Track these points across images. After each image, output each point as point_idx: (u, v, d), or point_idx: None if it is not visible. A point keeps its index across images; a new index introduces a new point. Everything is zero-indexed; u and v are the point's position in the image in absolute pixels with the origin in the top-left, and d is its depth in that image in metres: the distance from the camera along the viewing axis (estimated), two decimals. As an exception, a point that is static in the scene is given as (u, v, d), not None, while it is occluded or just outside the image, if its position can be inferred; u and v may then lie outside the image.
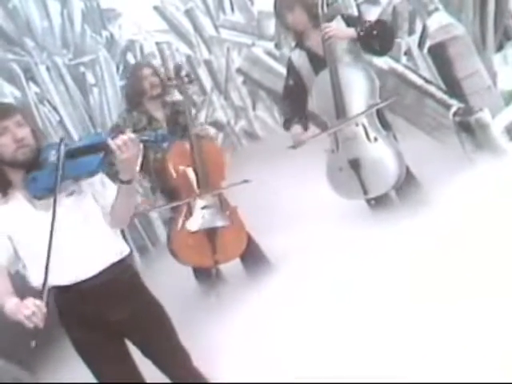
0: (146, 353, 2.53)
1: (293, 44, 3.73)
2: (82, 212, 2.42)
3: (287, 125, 3.70)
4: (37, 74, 4.77)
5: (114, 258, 2.45)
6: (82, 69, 4.95)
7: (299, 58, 3.60)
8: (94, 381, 2.54)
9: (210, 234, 3.49)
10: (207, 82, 5.31)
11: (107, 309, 2.43)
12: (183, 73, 3.60)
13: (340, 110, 3.42)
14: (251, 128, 5.37)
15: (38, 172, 2.37)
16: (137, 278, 2.56)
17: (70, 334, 2.48)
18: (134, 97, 3.75)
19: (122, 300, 2.45)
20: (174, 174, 3.55)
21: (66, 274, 2.38)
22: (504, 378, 2.25)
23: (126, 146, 2.25)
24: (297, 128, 3.62)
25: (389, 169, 3.44)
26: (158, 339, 2.51)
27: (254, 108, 5.38)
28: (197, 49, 5.30)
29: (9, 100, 4.51)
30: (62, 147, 2.35)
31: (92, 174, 2.40)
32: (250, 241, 3.66)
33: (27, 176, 2.38)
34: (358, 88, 3.44)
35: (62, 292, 2.42)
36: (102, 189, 2.49)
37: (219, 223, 3.49)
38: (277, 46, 5.23)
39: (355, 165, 3.44)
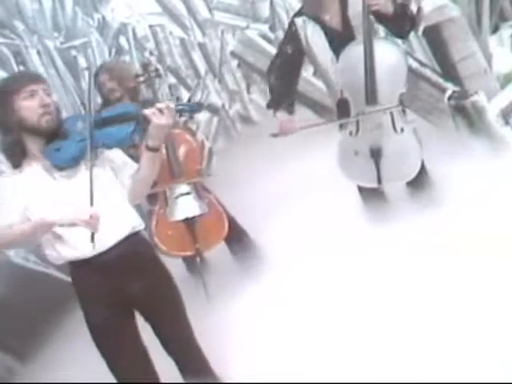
0: (157, 328, 2.56)
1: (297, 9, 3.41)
2: (101, 185, 2.43)
3: (274, 106, 3.38)
4: (27, 58, 4.73)
5: (130, 230, 2.49)
6: (73, 52, 4.90)
7: (308, 29, 3.25)
8: (85, 371, 2.54)
9: (189, 222, 3.47)
10: (201, 66, 5.27)
11: (125, 281, 2.46)
12: (151, 68, 3.59)
13: (369, 94, 3.13)
14: (246, 112, 5.34)
15: (63, 142, 2.39)
16: (152, 251, 2.63)
17: (86, 311, 2.49)
18: (103, 102, 3.72)
19: (138, 272, 2.49)
20: None
21: (83, 247, 2.40)
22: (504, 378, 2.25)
23: (162, 113, 2.37)
24: (283, 114, 3.35)
25: (410, 162, 3.29)
26: (171, 312, 2.56)
27: (248, 91, 5.35)
28: (190, 32, 5.26)
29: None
30: (92, 114, 2.40)
31: (123, 142, 2.47)
32: (236, 225, 3.66)
33: (48, 146, 2.40)
34: (393, 71, 3.17)
35: (79, 266, 2.45)
36: (122, 163, 2.55)
37: (197, 211, 3.46)
38: (271, 28, 5.18)
39: (377, 154, 3.25)
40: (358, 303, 2.76)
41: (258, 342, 2.79)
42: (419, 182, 3.38)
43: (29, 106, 2.38)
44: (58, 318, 2.54)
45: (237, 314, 2.98)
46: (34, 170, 2.43)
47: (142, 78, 3.59)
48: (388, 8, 3.10)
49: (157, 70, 3.63)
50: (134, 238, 2.51)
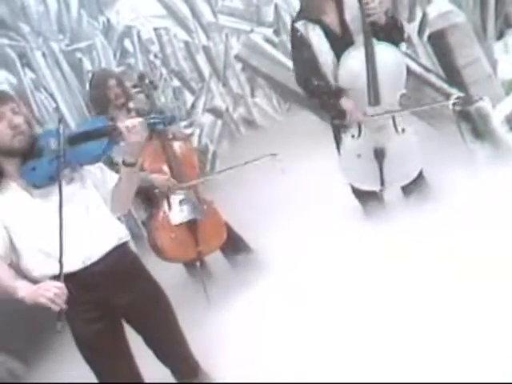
0: (148, 339, 2.56)
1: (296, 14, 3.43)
2: (82, 199, 2.42)
3: (334, 99, 3.28)
4: (32, 60, 4.72)
5: (115, 242, 2.47)
6: (78, 55, 4.90)
7: (309, 31, 3.28)
8: (87, 372, 2.54)
9: (191, 226, 3.51)
10: (205, 69, 5.27)
11: (111, 294, 2.45)
12: (146, 81, 3.61)
13: (372, 95, 3.19)
14: (250, 115, 5.34)
15: (37, 160, 2.36)
16: (138, 262, 2.59)
17: (73, 326, 2.47)
18: (99, 105, 3.68)
19: (125, 284, 2.47)
20: (150, 173, 3.51)
21: (68, 261, 2.35)
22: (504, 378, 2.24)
23: (135, 129, 2.32)
24: (348, 100, 3.26)
25: (412, 162, 3.36)
26: (161, 323, 2.55)
27: (252, 95, 5.35)
28: (195, 35, 5.25)
29: (4, 86, 4.47)
30: (61, 132, 2.35)
31: (96, 159, 2.42)
32: (232, 233, 3.68)
33: (23, 165, 2.37)
34: (394, 73, 3.24)
35: (64, 281, 2.38)
36: (101, 176, 2.51)
37: (197, 215, 3.51)
38: (275, 32, 5.19)
39: (380, 154, 3.30)
40: (356, 311, 2.76)
41: (258, 345, 2.79)
42: (416, 185, 3.41)
43: None
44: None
45: (237, 317, 2.99)
46: (13, 189, 2.40)
47: (138, 89, 3.63)
48: (381, 18, 3.16)
49: (152, 82, 3.66)
50: (120, 249, 2.49)
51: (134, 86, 3.66)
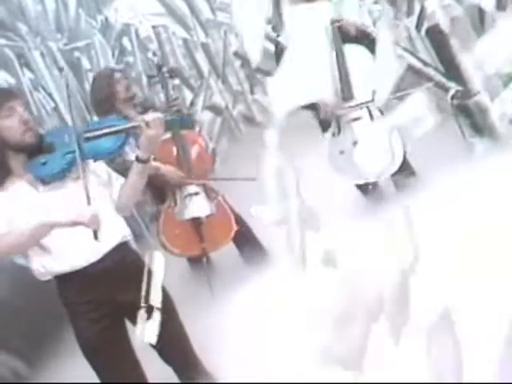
0: None
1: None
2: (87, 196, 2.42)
3: None
4: (31, 60, 4.73)
5: (120, 239, 2.49)
6: (76, 54, 4.91)
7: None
8: (90, 371, 2.54)
9: (196, 222, 3.49)
10: (204, 66, 5.26)
11: (114, 292, 2.46)
12: (165, 69, 3.60)
13: (345, 91, 3.36)
14: (249, 112, 5.33)
15: (48, 155, 2.38)
16: (139, 261, 2.59)
17: (76, 326, 2.49)
18: (106, 102, 3.57)
19: (127, 282, 2.48)
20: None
21: (71, 259, 2.40)
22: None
23: (155, 123, 2.36)
24: None
25: (393, 152, 3.40)
26: (163, 320, 2.51)
27: (251, 92, 5.34)
28: (193, 32, 5.25)
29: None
30: (75, 129, 2.41)
31: (112, 154, 2.49)
32: (244, 226, 3.66)
33: (32, 160, 2.39)
34: (363, 68, 3.37)
35: (66, 280, 2.43)
36: (107, 177, 2.55)
37: (204, 212, 3.49)
38: (274, 28, 5.18)
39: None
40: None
41: (260, 342, 2.79)
42: (403, 176, 3.50)
43: (10, 126, 2.35)
44: (64, 320, 2.55)
45: (240, 314, 2.99)
46: (18, 187, 2.41)
47: (156, 79, 3.60)
48: (351, 29, 3.42)
49: (172, 70, 3.65)
50: (123, 247, 2.51)
51: (152, 77, 3.64)
